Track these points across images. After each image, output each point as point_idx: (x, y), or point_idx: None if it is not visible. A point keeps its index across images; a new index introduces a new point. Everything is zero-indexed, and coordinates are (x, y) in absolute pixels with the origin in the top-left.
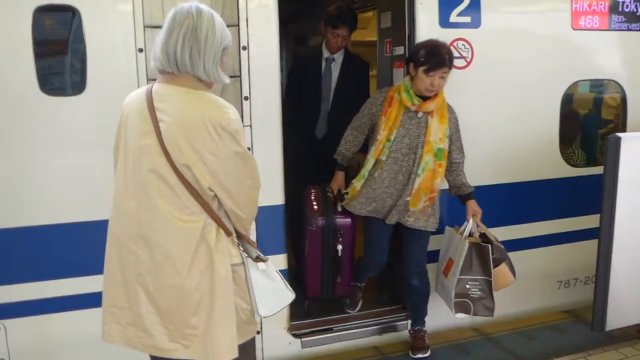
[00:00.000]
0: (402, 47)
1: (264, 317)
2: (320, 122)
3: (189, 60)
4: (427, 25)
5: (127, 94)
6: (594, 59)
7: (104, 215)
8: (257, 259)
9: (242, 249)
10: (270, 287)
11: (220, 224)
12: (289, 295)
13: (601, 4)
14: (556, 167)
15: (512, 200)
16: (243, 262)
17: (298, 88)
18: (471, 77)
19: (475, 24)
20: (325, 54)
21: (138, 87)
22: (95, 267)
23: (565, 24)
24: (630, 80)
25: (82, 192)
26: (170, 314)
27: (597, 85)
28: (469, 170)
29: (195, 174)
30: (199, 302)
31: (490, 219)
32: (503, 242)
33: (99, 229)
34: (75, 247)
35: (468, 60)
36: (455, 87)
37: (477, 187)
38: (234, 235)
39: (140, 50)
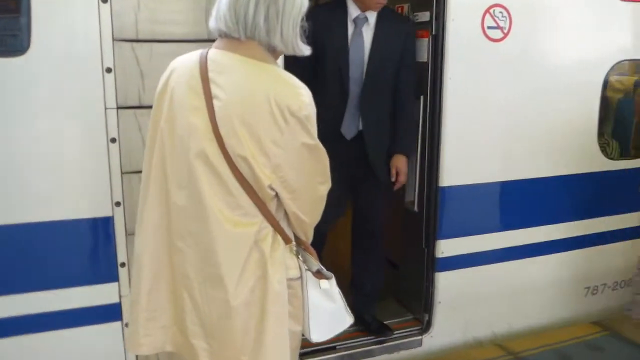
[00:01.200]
0: (427, 13)
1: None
2: (349, 115)
3: (263, 23)
4: None
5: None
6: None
7: None
8: (318, 274)
9: (301, 259)
10: (329, 308)
11: (278, 229)
12: (347, 320)
13: None
14: (592, 160)
15: (539, 198)
16: (301, 277)
17: (310, 64)
18: (507, 52)
19: None
20: (353, 11)
21: (101, 48)
22: None
23: None
24: None
25: None
26: (213, 331)
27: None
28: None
29: (253, 167)
30: (246, 323)
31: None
32: (523, 246)
33: None
34: None
35: (505, 31)
36: (487, 61)
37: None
38: (294, 242)
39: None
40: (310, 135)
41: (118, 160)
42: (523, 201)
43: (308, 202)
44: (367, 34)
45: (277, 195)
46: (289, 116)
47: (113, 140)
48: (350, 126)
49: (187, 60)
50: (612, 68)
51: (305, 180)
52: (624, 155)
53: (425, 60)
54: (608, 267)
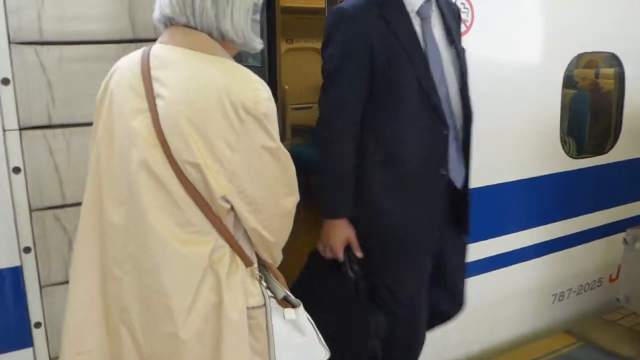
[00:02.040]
0: None
1: None
2: (454, 150)
3: (211, 6)
4: None
5: None
6: (594, 28)
7: None
8: (285, 302)
9: (264, 285)
10: (298, 342)
11: (236, 248)
12: (323, 354)
13: None
14: (554, 160)
15: (503, 205)
16: (265, 305)
17: (366, 86)
18: (471, 47)
19: None
20: (417, 1)
21: None
22: None
23: None
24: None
25: None
26: None
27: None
28: None
29: (205, 175)
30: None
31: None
32: (488, 257)
33: None
34: None
35: (468, 24)
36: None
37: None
38: (255, 265)
39: None
40: (270, 136)
41: (25, 194)
42: (487, 210)
43: (271, 217)
44: (437, 30)
45: (233, 208)
46: (244, 114)
47: (16, 170)
48: (458, 166)
49: (128, 59)
50: (571, 62)
51: (268, 191)
52: (580, 153)
53: None
54: (573, 271)
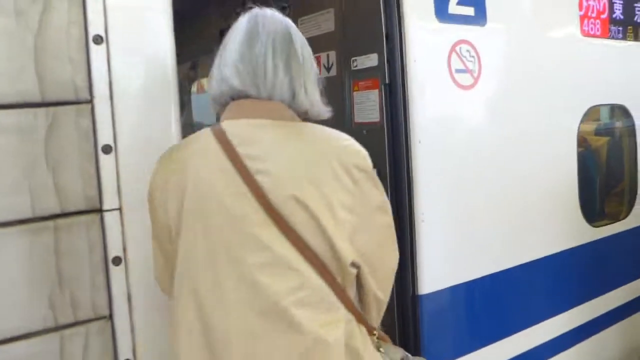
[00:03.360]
0: (372, 56)
1: None
2: None
3: (285, 76)
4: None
5: None
6: (603, 77)
7: None
8: None
9: (382, 351)
10: None
11: (360, 318)
12: None
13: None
14: (576, 229)
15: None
16: None
17: None
18: (479, 102)
19: (481, 18)
20: None
21: None
22: None
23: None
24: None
25: None
26: None
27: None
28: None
29: (333, 242)
30: None
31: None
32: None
33: None
34: None
35: (475, 75)
36: (459, 116)
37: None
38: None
39: None
40: (381, 191)
41: None
42: (526, 292)
43: (384, 275)
44: None
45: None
46: (357, 173)
47: None
48: None
49: (192, 146)
50: (585, 114)
51: (382, 249)
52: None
53: (378, 120)
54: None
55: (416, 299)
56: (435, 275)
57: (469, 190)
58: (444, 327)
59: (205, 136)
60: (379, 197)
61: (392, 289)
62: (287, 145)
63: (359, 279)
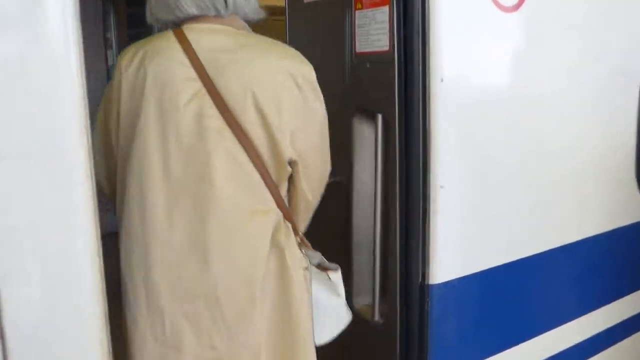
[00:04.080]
0: None
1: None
2: None
3: None
4: None
5: None
6: None
7: None
8: (321, 267)
9: (303, 252)
10: (334, 303)
11: (288, 216)
12: (347, 317)
13: None
14: (631, 203)
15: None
16: (308, 268)
17: None
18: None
19: None
20: None
21: None
22: None
23: None
24: None
25: None
26: None
27: None
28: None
29: (277, 140)
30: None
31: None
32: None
33: None
34: None
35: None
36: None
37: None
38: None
39: None
40: (322, 103)
41: None
42: (565, 281)
43: (316, 180)
44: None
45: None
46: (301, 80)
47: None
48: None
49: (153, 42)
50: None
51: (318, 155)
52: None
53: (387, 49)
54: None
55: (425, 289)
56: (453, 260)
57: (501, 149)
58: (460, 325)
59: (166, 36)
60: (319, 107)
61: (396, 274)
62: (241, 50)
63: (292, 179)
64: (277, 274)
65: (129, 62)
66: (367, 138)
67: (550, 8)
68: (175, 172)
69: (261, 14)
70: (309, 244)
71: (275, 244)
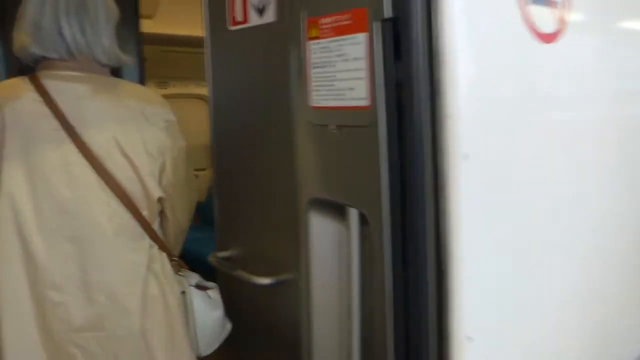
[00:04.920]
0: None
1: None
2: None
3: (81, 38)
4: None
5: None
6: None
7: None
8: (200, 287)
9: (182, 274)
10: (216, 315)
11: (162, 246)
12: (228, 326)
13: None
14: None
15: None
16: (185, 292)
17: None
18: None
19: None
20: None
21: None
22: None
23: None
24: None
25: None
26: None
27: None
28: None
29: (143, 179)
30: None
31: None
32: None
33: None
34: None
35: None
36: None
37: None
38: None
39: None
40: (183, 137)
41: None
42: None
43: (185, 209)
44: None
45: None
46: (164, 124)
47: None
48: None
49: (7, 90)
50: None
51: (185, 189)
52: None
53: (366, 104)
54: None
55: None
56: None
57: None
58: None
59: (21, 83)
60: (183, 143)
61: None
62: (101, 96)
63: (162, 213)
64: (157, 299)
65: None
66: (332, 235)
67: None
68: (51, 222)
69: (118, 61)
70: (185, 265)
71: (153, 273)
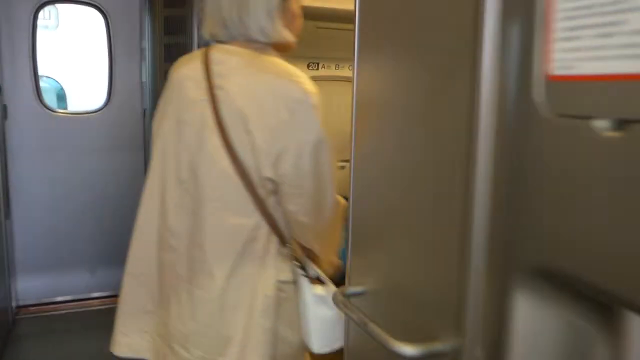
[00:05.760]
0: None
1: (317, 353)
2: None
3: (237, 19)
4: None
5: None
6: None
7: None
8: (316, 280)
9: (297, 264)
10: (326, 313)
11: (274, 228)
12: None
13: None
14: None
15: None
16: (296, 281)
17: None
18: None
19: None
20: None
21: None
22: None
23: None
24: None
25: None
26: (199, 336)
27: None
28: None
29: (258, 159)
30: (233, 325)
31: None
32: None
33: None
34: None
35: None
36: None
37: None
38: (289, 245)
39: None
40: (318, 127)
41: None
42: None
43: (307, 201)
44: None
45: (274, 191)
46: (293, 104)
47: None
48: None
49: (187, 59)
50: None
51: (311, 179)
52: None
53: None
54: None
55: None
56: None
57: None
58: None
59: (198, 53)
60: (313, 131)
61: None
62: (247, 69)
63: (281, 199)
64: (248, 277)
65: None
66: (553, 331)
67: None
68: (182, 180)
69: (279, 38)
70: (320, 260)
71: (251, 252)
